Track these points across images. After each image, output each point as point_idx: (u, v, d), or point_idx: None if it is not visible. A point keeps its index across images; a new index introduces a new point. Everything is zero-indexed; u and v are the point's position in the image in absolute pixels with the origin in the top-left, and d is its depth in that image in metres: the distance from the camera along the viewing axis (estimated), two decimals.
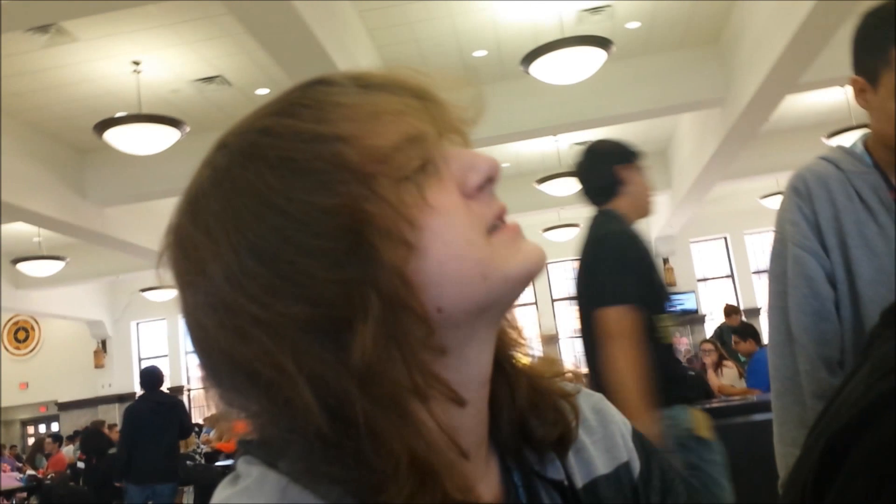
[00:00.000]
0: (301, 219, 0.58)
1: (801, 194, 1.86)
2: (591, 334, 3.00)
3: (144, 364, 18.36)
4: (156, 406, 7.33)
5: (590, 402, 0.79)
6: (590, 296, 3.00)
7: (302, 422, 0.57)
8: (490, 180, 0.65)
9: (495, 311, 0.65)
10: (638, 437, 0.80)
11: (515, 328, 0.74)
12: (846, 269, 1.80)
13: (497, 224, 0.65)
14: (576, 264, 3.33)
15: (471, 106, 0.70)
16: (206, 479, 9.63)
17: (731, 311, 10.96)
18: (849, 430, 0.71)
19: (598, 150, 3.33)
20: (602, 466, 0.75)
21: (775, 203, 12.56)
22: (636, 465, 0.77)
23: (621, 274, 2.88)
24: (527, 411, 0.71)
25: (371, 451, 0.56)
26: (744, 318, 11.80)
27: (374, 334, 0.57)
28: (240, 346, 0.58)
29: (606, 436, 0.77)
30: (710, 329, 16.73)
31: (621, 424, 0.79)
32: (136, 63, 8.18)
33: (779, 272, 1.90)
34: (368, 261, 0.57)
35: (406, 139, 0.61)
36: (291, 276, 0.57)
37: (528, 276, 0.64)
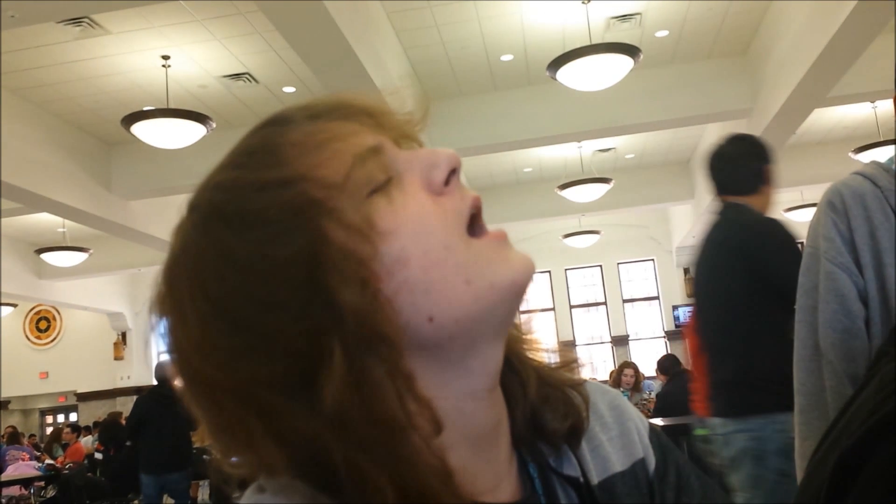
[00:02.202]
0: (260, 273, 0.58)
1: (836, 210, 1.84)
2: (725, 321, 2.92)
3: (164, 357, 18.48)
4: (162, 399, 7.44)
5: (606, 398, 0.79)
6: (751, 279, 2.89)
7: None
8: (453, 172, 0.64)
9: (491, 322, 0.63)
10: (654, 434, 0.80)
11: (517, 328, 0.74)
12: (880, 286, 1.78)
13: (475, 214, 0.64)
14: (692, 255, 3.26)
15: (418, 111, 0.70)
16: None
17: None
18: (859, 448, 0.71)
19: (749, 144, 3.24)
20: (618, 464, 0.75)
21: (800, 216, 12.49)
22: (652, 462, 0.77)
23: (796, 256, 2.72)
24: (538, 404, 0.71)
25: (356, 491, 0.56)
26: None
27: (343, 379, 0.56)
28: (215, 414, 0.60)
29: (623, 433, 0.77)
30: None
31: (637, 421, 0.79)
32: (166, 58, 8.24)
33: (809, 287, 1.88)
34: (328, 305, 0.57)
35: (363, 155, 0.62)
36: (257, 334, 0.58)
37: (516, 285, 0.63)
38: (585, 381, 0.76)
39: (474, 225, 0.64)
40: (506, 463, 0.69)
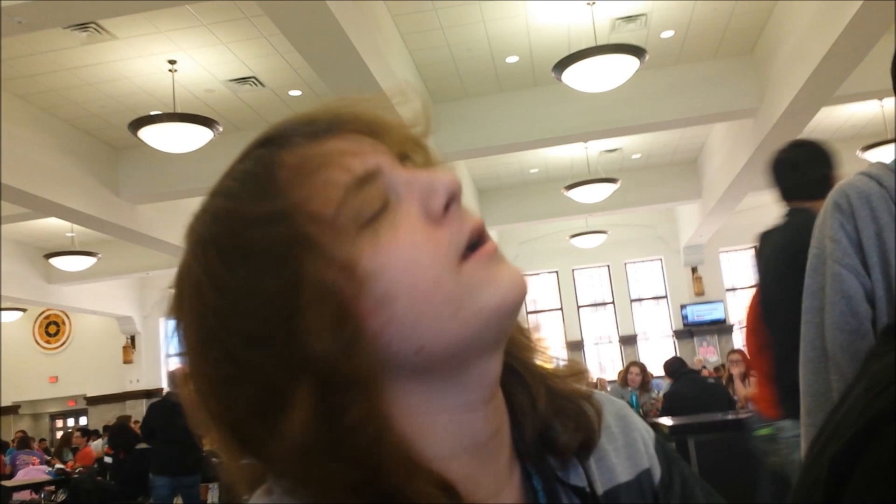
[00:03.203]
0: (248, 308, 0.59)
1: (843, 211, 1.83)
2: (797, 324, 2.98)
3: (172, 361, 18.53)
4: (174, 405, 7.54)
5: (612, 408, 0.79)
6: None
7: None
8: (453, 199, 0.62)
9: (483, 343, 0.63)
10: (660, 445, 0.80)
11: (527, 335, 0.74)
12: (887, 286, 1.77)
13: (476, 242, 0.62)
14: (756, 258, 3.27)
15: (421, 119, 0.69)
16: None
17: None
18: (850, 451, 0.71)
19: (812, 149, 3.23)
20: (623, 474, 0.75)
21: None
22: (657, 472, 0.77)
23: None
24: (549, 418, 0.71)
25: None
26: None
27: (304, 421, 0.57)
28: (210, 427, 0.63)
29: (628, 443, 0.77)
30: (737, 339, 16.61)
31: (643, 431, 0.79)
32: (172, 62, 8.27)
33: (816, 288, 1.87)
34: (302, 347, 0.58)
35: (355, 185, 0.60)
36: (240, 367, 0.59)
37: (503, 307, 0.62)
38: (593, 392, 0.76)
39: (472, 248, 0.62)
40: (506, 470, 0.69)
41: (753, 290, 3.64)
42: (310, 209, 0.59)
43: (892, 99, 9.32)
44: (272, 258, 0.58)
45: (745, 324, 3.81)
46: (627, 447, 0.77)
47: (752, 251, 4.02)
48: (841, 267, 1.81)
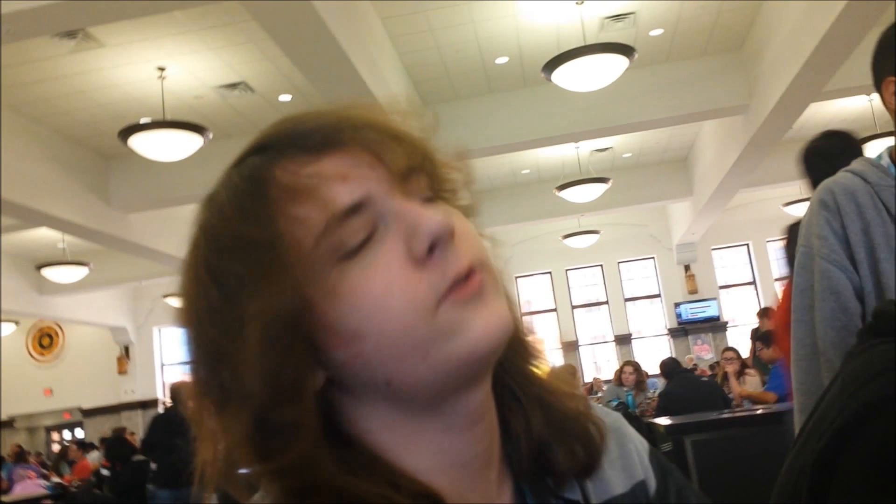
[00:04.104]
0: (230, 326, 0.59)
1: (829, 208, 1.84)
2: None
3: (167, 370, 18.52)
4: (175, 418, 7.88)
5: (607, 421, 0.78)
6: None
7: None
8: (437, 243, 0.60)
9: (456, 383, 0.62)
10: (654, 455, 0.80)
11: (525, 346, 0.73)
12: (876, 281, 1.78)
13: (464, 277, 0.60)
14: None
15: (427, 137, 0.68)
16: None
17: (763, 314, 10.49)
18: (830, 452, 0.73)
19: (844, 139, 3.23)
20: (618, 486, 0.74)
21: (799, 210, 12.48)
22: (653, 484, 0.77)
23: None
24: (546, 438, 0.70)
25: None
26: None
27: (244, 437, 0.60)
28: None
29: (623, 455, 0.77)
30: (731, 336, 16.65)
31: (638, 443, 0.79)
32: (161, 69, 8.25)
33: (805, 286, 1.88)
34: (244, 378, 0.59)
35: (344, 213, 0.59)
36: (234, 378, 0.60)
37: (474, 356, 0.60)
38: (592, 408, 0.75)
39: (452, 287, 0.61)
40: (495, 486, 0.68)
41: (784, 283, 3.66)
42: (294, 236, 0.59)
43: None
44: (254, 283, 0.59)
45: (775, 314, 3.84)
46: (622, 459, 0.76)
47: (783, 243, 4.09)
48: (829, 264, 1.82)
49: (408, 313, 0.58)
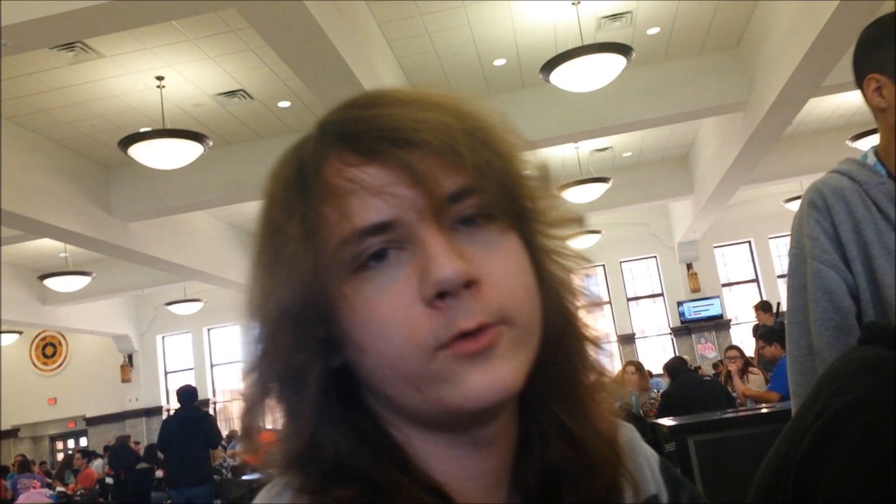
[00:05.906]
0: (272, 310, 0.62)
1: (818, 208, 1.85)
2: None
3: (171, 377, 18.53)
4: (185, 420, 8.29)
5: (620, 433, 0.77)
6: None
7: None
8: (445, 293, 0.57)
9: (458, 422, 0.61)
10: (665, 468, 0.79)
11: (562, 366, 0.71)
12: (870, 279, 1.78)
13: (471, 332, 0.58)
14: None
15: (511, 154, 0.68)
16: (233, 491, 9.67)
17: (761, 308, 10.37)
18: (818, 444, 0.75)
19: None
20: (629, 500, 0.73)
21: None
22: (664, 497, 0.76)
23: None
24: (567, 468, 0.67)
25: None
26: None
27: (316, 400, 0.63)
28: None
29: (634, 468, 0.75)
30: (735, 334, 16.63)
31: (649, 456, 0.78)
32: (160, 78, 8.26)
33: (798, 287, 1.89)
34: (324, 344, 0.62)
35: (365, 231, 0.59)
36: (271, 351, 0.63)
37: (465, 409, 0.59)
38: (620, 428, 0.74)
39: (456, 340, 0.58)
40: (505, 497, 0.67)
41: None
42: (324, 235, 0.60)
43: None
44: (289, 276, 0.61)
45: None
46: (633, 473, 0.74)
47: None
48: (820, 264, 1.82)
49: (405, 348, 0.58)
